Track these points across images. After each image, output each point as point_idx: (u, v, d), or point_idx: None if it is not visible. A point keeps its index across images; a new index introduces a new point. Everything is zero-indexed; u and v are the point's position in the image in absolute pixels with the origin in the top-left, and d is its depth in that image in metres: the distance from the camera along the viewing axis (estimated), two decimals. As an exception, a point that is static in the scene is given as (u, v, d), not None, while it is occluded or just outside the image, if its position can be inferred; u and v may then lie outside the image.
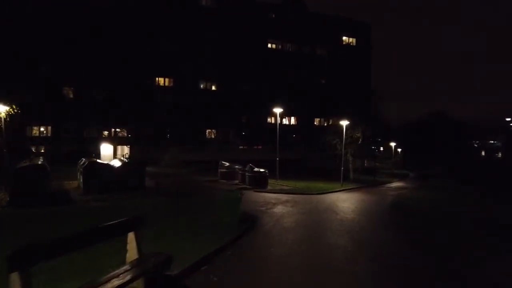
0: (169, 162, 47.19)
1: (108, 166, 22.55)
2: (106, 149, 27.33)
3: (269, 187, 25.51)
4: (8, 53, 42.43)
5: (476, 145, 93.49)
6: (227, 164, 28.94)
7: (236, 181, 27.63)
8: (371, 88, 34.05)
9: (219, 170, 29.06)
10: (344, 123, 29.42)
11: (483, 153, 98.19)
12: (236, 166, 28.38)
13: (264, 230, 11.77)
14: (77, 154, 31.04)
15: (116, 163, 23.95)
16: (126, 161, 24.14)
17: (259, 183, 25.08)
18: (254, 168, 25.41)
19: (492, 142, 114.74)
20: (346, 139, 30.88)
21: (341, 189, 27.72)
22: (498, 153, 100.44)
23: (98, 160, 23.43)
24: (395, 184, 40.29)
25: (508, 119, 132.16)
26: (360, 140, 33.07)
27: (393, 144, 48.83)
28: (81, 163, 23.39)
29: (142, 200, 18.53)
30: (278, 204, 18.15)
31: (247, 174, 25.52)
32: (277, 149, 29.05)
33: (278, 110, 28.86)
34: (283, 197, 21.51)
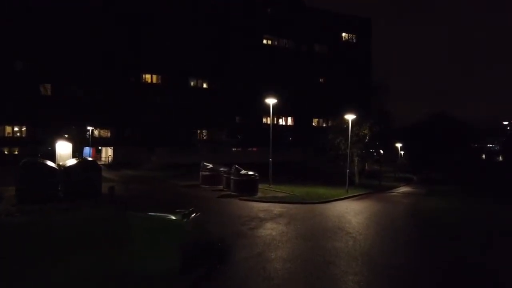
0: (153, 165, 41.54)
1: (51, 168, 16.84)
2: (63, 148, 21.59)
3: (259, 194, 19.77)
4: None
5: (476, 148, 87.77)
6: (210, 166, 23.15)
7: (220, 186, 21.88)
8: (376, 82, 28.64)
9: (201, 173, 23.28)
10: (350, 117, 23.68)
11: (483, 156, 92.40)
12: (222, 169, 22.61)
13: None
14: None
15: (71, 163, 18.33)
16: (81, 161, 18.43)
17: (247, 189, 19.34)
18: (240, 171, 19.65)
19: (490, 145, 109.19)
20: (351, 137, 25.14)
21: (347, 196, 21.95)
22: (498, 156, 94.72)
23: (42, 161, 17.66)
24: (403, 189, 34.58)
25: (505, 123, 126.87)
26: (367, 138, 27.27)
27: (398, 145, 42.98)
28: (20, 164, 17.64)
29: (79, 214, 12.91)
30: (268, 220, 12.44)
31: (232, 178, 19.77)
32: (270, 147, 23.30)
33: (271, 101, 23.12)
34: (276, 208, 15.80)
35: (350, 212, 15.83)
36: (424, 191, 33.20)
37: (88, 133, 41.16)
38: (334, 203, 19.02)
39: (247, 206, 15.98)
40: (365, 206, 18.45)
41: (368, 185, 31.42)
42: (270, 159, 23.14)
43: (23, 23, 39.34)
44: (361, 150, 28.02)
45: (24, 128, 42.20)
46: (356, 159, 28.28)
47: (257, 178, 19.83)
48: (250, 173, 19.70)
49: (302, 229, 11.32)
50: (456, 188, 37.17)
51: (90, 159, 18.88)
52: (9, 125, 41.65)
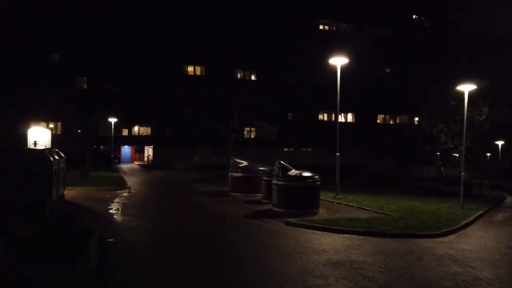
0: (192, 165, 33.73)
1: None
2: (38, 137, 14.00)
3: (321, 211, 10.57)
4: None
5: None
6: (244, 163, 14.34)
7: (259, 195, 12.97)
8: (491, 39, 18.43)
9: (230, 174, 14.58)
10: (467, 88, 13.59)
11: None
12: (261, 168, 13.71)
13: None
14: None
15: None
16: (16, 152, 10.61)
17: (301, 201, 10.23)
18: (289, 170, 10.54)
19: None
20: (458, 123, 14.94)
21: (473, 217, 11.85)
22: None
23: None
24: (520, 202, 23.19)
25: None
26: (487, 125, 16.71)
27: (500, 143, 30.96)
28: None
29: None
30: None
31: (274, 182, 10.71)
32: (337, 133, 13.81)
33: (339, 61, 13.71)
34: (363, 252, 6.47)
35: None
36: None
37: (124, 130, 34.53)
38: (466, 233, 9.23)
39: (297, 247, 6.86)
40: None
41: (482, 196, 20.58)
42: (338, 154, 13.59)
43: (59, 14, 33.86)
44: (473, 144, 17.40)
45: (60, 125, 36.82)
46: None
47: (318, 182, 10.59)
48: (306, 174, 10.51)
49: None
50: None
51: (37, 148, 10.85)
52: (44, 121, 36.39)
